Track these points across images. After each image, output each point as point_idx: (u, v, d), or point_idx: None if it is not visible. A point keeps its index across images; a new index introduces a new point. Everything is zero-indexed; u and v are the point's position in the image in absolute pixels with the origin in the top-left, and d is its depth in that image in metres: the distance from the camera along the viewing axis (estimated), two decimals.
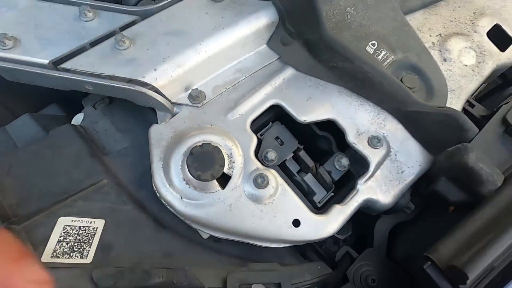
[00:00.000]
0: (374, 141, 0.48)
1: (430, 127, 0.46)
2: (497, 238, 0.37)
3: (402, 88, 0.46)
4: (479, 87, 0.55)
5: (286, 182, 0.47)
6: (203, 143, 0.43)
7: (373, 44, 0.51)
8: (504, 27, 0.58)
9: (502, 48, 0.57)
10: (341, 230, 0.51)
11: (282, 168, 0.50)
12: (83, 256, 0.40)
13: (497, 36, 0.58)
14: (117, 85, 0.45)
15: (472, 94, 0.54)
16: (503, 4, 0.61)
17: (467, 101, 0.56)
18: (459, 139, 0.45)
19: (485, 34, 0.57)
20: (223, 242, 0.45)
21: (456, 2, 0.60)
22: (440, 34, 0.57)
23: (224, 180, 0.44)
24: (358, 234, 0.58)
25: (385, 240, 0.53)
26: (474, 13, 0.60)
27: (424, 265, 0.39)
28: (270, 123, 0.52)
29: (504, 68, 0.58)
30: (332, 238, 0.54)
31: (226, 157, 0.44)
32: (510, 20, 0.59)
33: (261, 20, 0.52)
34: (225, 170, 0.44)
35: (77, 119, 0.59)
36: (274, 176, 0.45)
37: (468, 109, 0.56)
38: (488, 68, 0.55)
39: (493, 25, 0.58)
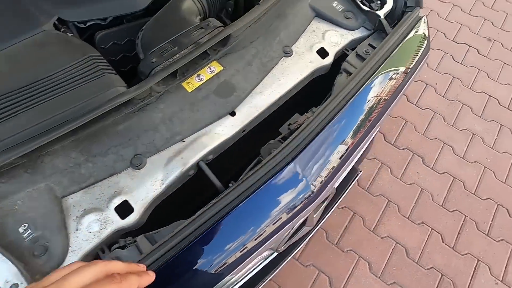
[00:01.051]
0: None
1: None
2: None
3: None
4: (97, 246, 0.91)
5: None
6: None
7: (24, 225, 0.88)
8: (130, 201, 0.97)
9: (123, 217, 0.95)
10: None
11: None
12: None
13: (124, 207, 0.96)
14: None
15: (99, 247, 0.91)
16: (134, 186, 1.00)
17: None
18: None
19: (113, 208, 0.95)
20: None
21: (103, 185, 0.98)
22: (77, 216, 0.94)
23: None
24: None
25: None
26: (115, 191, 0.98)
27: None
28: None
29: (125, 230, 0.95)
30: None
31: None
32: (136, 197, 0.98)
33: None
34: None
35: None
36: None
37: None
38: (107, 232, 0.92)
39: (122, 200, 0.96)
